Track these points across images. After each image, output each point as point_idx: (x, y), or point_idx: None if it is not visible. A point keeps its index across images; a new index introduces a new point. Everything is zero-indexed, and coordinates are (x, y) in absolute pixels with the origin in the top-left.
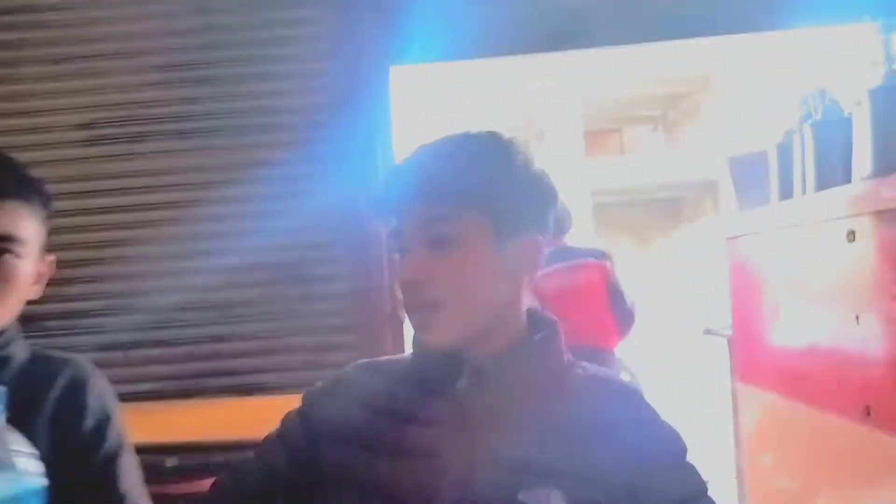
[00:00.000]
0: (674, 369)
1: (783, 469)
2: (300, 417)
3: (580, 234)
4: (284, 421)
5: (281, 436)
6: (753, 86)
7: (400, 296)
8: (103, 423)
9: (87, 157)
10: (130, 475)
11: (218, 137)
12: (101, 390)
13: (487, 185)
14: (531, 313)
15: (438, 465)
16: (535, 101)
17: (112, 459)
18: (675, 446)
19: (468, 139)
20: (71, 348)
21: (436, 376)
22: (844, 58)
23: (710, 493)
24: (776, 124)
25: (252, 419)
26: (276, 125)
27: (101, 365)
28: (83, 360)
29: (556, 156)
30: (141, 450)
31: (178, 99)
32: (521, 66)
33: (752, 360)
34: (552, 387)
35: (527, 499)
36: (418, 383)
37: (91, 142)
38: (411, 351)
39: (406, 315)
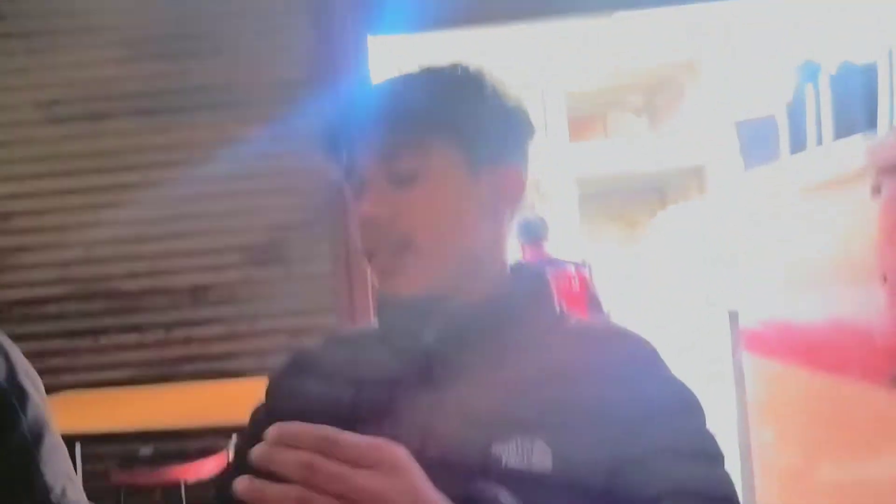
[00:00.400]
0: (670, 346)
1: (800, 441)
2: (265, 411)
3: (565, 220)
4: (251, 420)
5: (251, 439)
6: (738, 69)
7: (360, 240)
8: (17, 403)
9: (49, 138)
10: (56, 463)
11: (186, 115)
12: (12, 364)
13: (454, 110)
14: (516, 265)
15: (397, 424)
16: (518, 88)
17: (31, 446)
18: (683, 397)
19: (432, 69)
20: (37, 336)
21: (400, 330)
22: (833, 29)
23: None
24: (764, 102)
25: (227, 403)
26: (249, 101)
27: (69, 352)
28: None
29: (540, 143)
30: (114, 438)
31: (144, 75)
32: (503, 47)
33: (763, 330)
34: (538, 339)
35: (501, 451)
36: (381, 342)
37: (52, 121)
38: (376, 308)
39: (369, 262)
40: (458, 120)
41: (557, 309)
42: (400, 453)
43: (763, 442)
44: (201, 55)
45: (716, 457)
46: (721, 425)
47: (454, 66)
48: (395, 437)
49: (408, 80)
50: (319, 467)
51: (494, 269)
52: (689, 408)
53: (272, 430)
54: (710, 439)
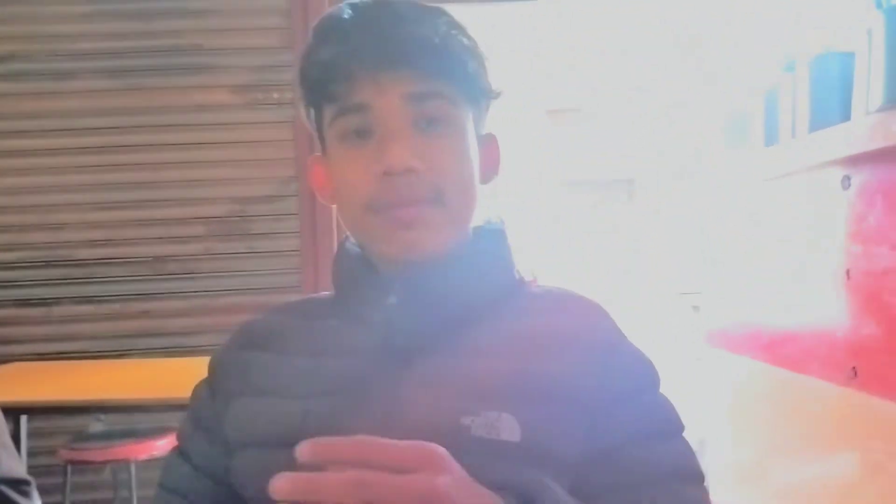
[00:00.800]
0: (639, 338)
1: (757, 437)
2: (208, 387)
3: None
4: (193, 397)
5: (194, 419)
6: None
7: (372, 193)
8: None
9: (5, 94)
10: None
11: (153, 77)
12: None
13: (471, 61)
14: (476, 227)
15: (359, 396)
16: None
17: None
18: (646, 370)
19: (427, 7)
20: None
21: (361, 295)
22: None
23: (685, 435)
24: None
25: (182, 380)
26: (220, 66)
27: (20, 322)
28: None
29: (519, 135)
30: (62, 410)
31: (110, 33)
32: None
33: (724, 322)
34: (499, 301)
35: (470, 423)
36: (339, 310)
37: (10, 76)
38: (345, 271)
39: (378, 214)
40: (478, 78)
41: (517, 271)
42: (441, 451)
43: (720, 437)
44: (171, 15)
45: (680, 430)
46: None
47: (439, 8)
48: (359, 409)
49: (417, 15)
50: (371, 482)
51: (467, 233)
52: (654, 382)
53: (304, 451)
54: (673, 412)
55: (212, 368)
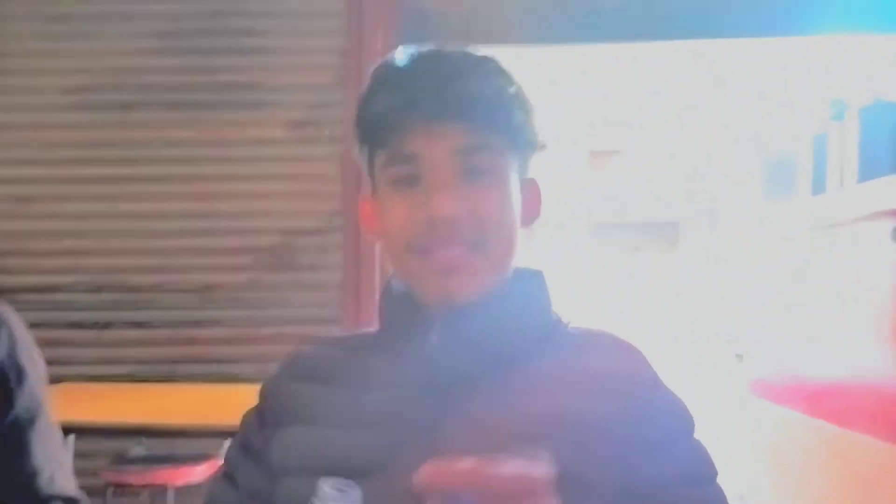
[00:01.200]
0: (677, 384)
1: (798, 490)
2: (257, 414)
3: (580, 249)
4: (243, 424)
5: (243, 445)
6: (763, 107)
7: (415, 236)
8: (13, 381)
9: (74, 124)
10: (47, 447)
11: (211, 111)
12: (15, 340)
13: (517, 113)
14: (516, 268)
15: (401, 430)
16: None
17: (23, 426)
18: (681, 415)
19: (478, 56)
20: (40, 325)
21: (405, 333)
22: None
23: (718, 482)
24: (789, 140)
25: (224, 407)
26: (274, 102)
27: (72, 343)
28: None
29: (559, 170)
30: (107, 433)
31: (173, 68)
32: (534, 70)
33: (767, 372)
34: (538, 341)
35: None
36: (384, 345)
37: (79, 107)
38: (391, 307)
39: (419, 257)
40: (517, 125)
41: (554, 312)
42: (541, 479)
43: (760, 488)
44: (231, 53)
45: (713, 476)
46: (722, 469)
47: (495, 60)
48: (400, 443)
49: (469, 68)
50: None
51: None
52: (689, 427)
53: (422, 478)
54: (707, 457)
55: (262, 396)
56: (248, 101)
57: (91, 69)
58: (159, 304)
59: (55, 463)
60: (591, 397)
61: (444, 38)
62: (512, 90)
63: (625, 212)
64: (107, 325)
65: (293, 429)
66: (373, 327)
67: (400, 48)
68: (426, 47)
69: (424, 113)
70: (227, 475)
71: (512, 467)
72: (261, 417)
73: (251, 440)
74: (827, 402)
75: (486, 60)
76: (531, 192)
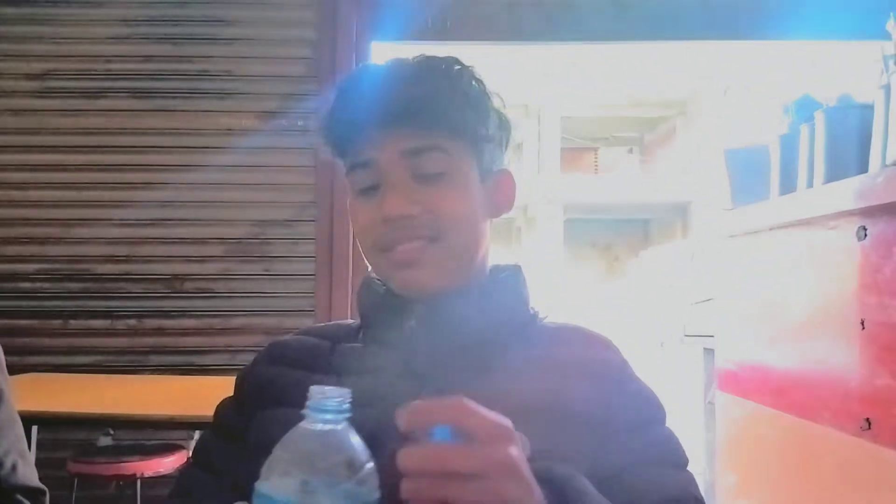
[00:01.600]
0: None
1: (764, 484)
2: (235, 402)
3: (550, 246)
4: (218, 413)
5: (220, 432)
6: (730, 113)
7: (377, 236)
8: None
9: (37, 110)
10: (8, 438)
11: (180, 100)
12: None
13: (468, 111)
14: (494, 265)
15: (380, 413)
16: (515, 110)
17: None
18: (654, 403)
19: (433, 61)
20: (6, 313)
21: (385, 321)
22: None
23: (690, 469)
24: (757, 138)
25: (193, 398)
26: (246, 92)
27: (37, 333)
28: None
29: (531, 169)
30: (73, 422)
31: (142, 56)
32: (506, 72)
33: (737, 369)
34: (514, 331)
35: None
36: (363, 333)
37: (44, 93)
38: (366, 300)
39: (383, 254)
40: (473, 123)
41: (532, 306)
42: (510, 425)
43: (727, 484)
44: (202, 41)
45: (685, 463)
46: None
47: (453, 60)
48: (378, 429)
49: (417, 74)
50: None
51: (480, 264)
52: (661, 416)
53: (405, 418)
54: (679, 446)
55: (239, 384)
56: (218, 91)
57: (57, 55)
58: (126, 294)
59: (17, 454)
60: (565, 381)
61: (416, 28)
62: (466, 91)
63: (600, 208)
64: (72, 315)
65: (273, 410)
66: (345, 319)
67: (363, 64)
68: (391, 58)
69: (375, 121)
70: (198, 464)
71: (490, 413)
72: (238, 404)
73: (228, 425)
74: (790, 396)
75: (442, 63)
76: (501, 183)
